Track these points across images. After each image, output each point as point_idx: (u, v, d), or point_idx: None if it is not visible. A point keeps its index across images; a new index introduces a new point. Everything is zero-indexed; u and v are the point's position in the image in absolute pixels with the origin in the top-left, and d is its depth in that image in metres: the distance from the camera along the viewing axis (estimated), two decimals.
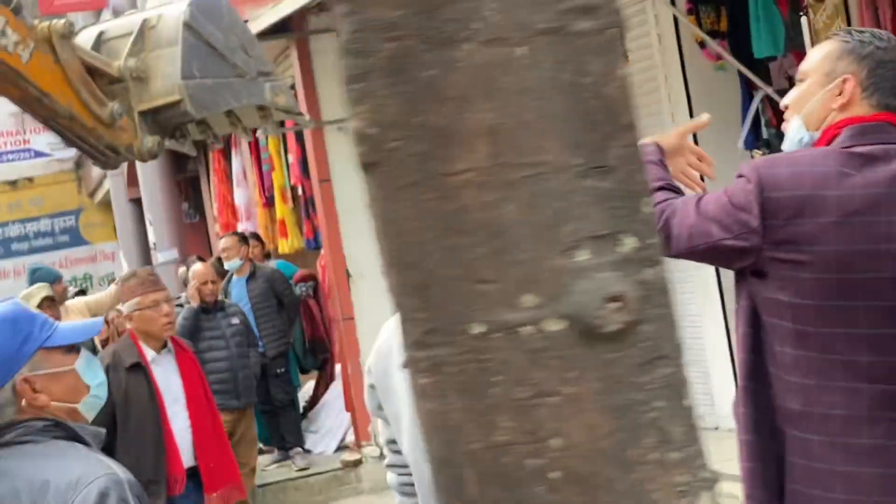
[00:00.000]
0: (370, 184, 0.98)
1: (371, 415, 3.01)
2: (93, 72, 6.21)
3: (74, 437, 2.37)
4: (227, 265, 9.48)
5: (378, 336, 2.92)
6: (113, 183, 16.16)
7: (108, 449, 5.04)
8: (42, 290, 7.86)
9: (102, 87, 6.27)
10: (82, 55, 6.16)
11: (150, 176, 13.63)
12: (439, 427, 0.94)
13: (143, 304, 5.26)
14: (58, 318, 7.78)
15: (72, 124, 6.26)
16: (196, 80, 6.36)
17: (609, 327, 0.91)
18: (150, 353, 5.31)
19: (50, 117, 6.21)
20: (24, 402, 2.35)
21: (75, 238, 19.50)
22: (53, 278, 8.49)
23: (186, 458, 5.29)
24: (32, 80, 5.92)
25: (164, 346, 5.35)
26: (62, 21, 6.05)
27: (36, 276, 8.62)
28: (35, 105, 6.06)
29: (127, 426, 5.17)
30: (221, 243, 9.56)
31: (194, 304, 8.14)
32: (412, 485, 2.89)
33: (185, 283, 12.50)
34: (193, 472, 5.32)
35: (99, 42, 6.47)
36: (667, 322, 0.95)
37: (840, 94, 2.54)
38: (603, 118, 0.92)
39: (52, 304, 7.75)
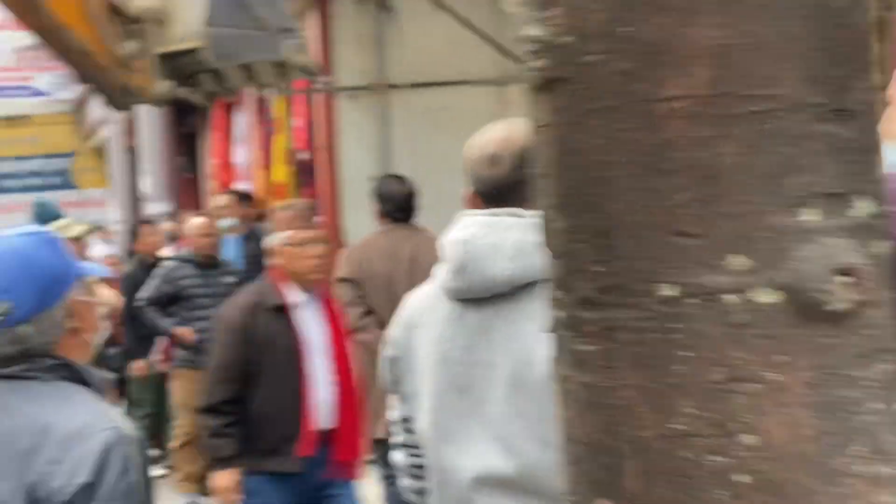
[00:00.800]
0: (549, 104, 0.80)
1: (387, 390, 2.83)
2: (113, 9, 6.04)
3: (81, 381, 2.21)
4: (221, 223, 9.31)
5: (404, 307, 2.76)
6: (111, 130, 15.95)
7: (241, 399, 4.50)
8: (78, 224, 7.67)
9: (121, 26, 6.10)
10: None
11: (151, 126, 13.47)
12: (599, 405, 0.78)
13: (294, 240, 4.61)
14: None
15: (87, 61, 6.07)
16: (219, 28, 6.18)
17: (834, 305, 0.75)
18: (296, 297, 4.63)
19: (65, 51, 6.02)
20: (71, 325, 2.21)
21: (66, 181, 19.27)
22: (53, 217, 8.28)
23: (324, 419, 4.61)
24: (53, 11, 5.73)
25: (310, 290, 4.66)
26: None
27: (38, 211, 8.41)
28: (52, 37, 5.87)
29: (265, 374, 4.53)
30: (219, 200, 9.37)
31: (197, 257, 7.98)
32: (422, 467, 2.74)
33: (172, 239, 12.34)
34: (326, 436, 4.64)
35: None
36: (891, 309, 0.79)
37: None
38: (848, 52, 0.76)
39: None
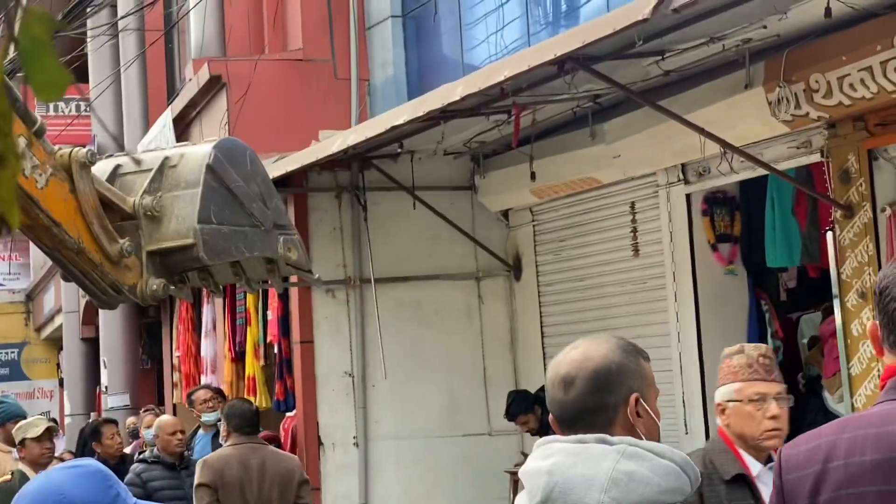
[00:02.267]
0: None
1: None
2: (106, 206, 5.95)
3: None
4: (205, 418, 9.09)
5: None
6: (66, 320, 15.69)
7: None
8: (42, 421, 7.38)
9: (113, 223, 6.00)
10: (98, 187, 5.90)
11: (112, 317, 13.26)
12: None
13: (743, 395, 3.75)
14: (53, 450, 7.30)
15: (78, 258, 5.94)
16: (212, 225, 6.10)
17: None
18: (753, 466, 3.76)
19: (56, 248, 5.90)
20: None
21: (16, 372, 18.85)
22: (15, 416, 7.99)
23: None
24: (45, 207, 5.63)
25: (769, 459, 3.75)
26: (84, 150, 5.81)
27: (2, 408, 8.12)
28: (42, 234, 5.75)
29: None
30: (199, 395, 9.16)
31: (166, 457, 7.73)
32: None
33: (133, 434, 11.98)
34: None
35: (114, 176, 6.23)
36: None
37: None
38: None
39: (50, 436, 7.31)
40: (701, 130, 6.45)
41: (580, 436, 2.41)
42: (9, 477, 6.86)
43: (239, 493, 6.79)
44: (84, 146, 6.17)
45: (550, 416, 2.52)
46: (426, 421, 9.17)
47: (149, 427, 9.82)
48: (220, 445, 9.09)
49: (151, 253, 6.08)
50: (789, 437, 8.29)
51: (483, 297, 9.50)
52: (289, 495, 6.86)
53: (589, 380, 2.42)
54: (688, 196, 7.74)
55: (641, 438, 2.43)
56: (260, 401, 10.20)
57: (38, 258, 17.90)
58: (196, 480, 6.86)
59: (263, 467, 6.85)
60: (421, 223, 9.27)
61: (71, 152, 5.66)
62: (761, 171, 6.87)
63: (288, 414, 9.78)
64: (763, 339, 7.79)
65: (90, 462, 2.25)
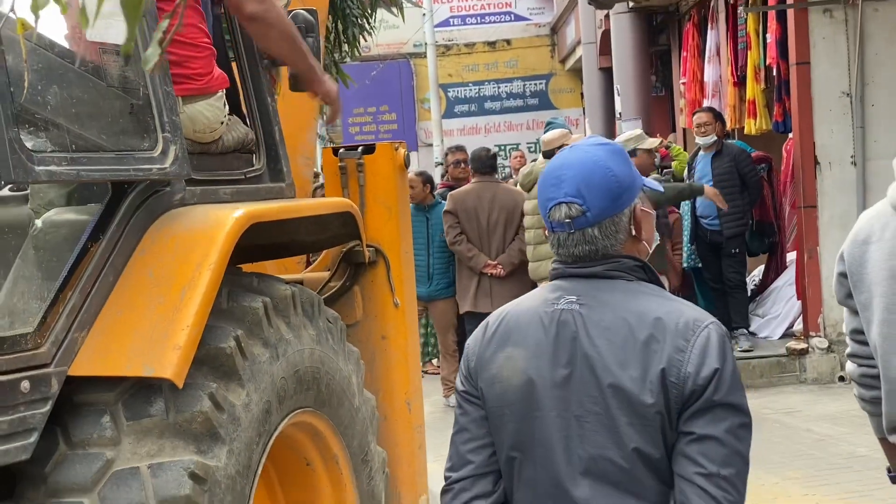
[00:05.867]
0: None
1: (839, 303, 2.96)
2: None
3: (655, 282, 2.39)
4: (700, 140, 9.54)
5: (856, 223, 2.88)
6: (585, 50, 16.51)
7: None
8: (651, 138, 8.34)
9: None
10: None
11: (623, 46, 13.84)
12: None
13: None
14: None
15: None
16: None
17: None
18: None
19: None
20: (632, 232, 2.37)
21: (544, 102, 20.21)
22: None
23: None
24: None
25: None
26: None
27: (549, 128, 9.07)
28: None
29: None
30: (696, 118, 9.59)
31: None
32: (874, 377, 2.84)
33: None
34: None
35: None
36: None
37: None
38: None
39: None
40: None
41: None
42: None
43: (474, 217, 8.69)
44: None
45: None
46: None
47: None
48: (720, 165, 9.54)
49: None
50: None
51: None
52: (513, 221, 8.67)
53: None
54: None
55: None
56: (760, 123, 10.46)
57: None
58: (444, 209, 8.83)
59: (494, 199, 8.70)
60: None
61: None
62: None
63: (788, 136, 9.97)
64: None
65: (611, 141, 2.51)
